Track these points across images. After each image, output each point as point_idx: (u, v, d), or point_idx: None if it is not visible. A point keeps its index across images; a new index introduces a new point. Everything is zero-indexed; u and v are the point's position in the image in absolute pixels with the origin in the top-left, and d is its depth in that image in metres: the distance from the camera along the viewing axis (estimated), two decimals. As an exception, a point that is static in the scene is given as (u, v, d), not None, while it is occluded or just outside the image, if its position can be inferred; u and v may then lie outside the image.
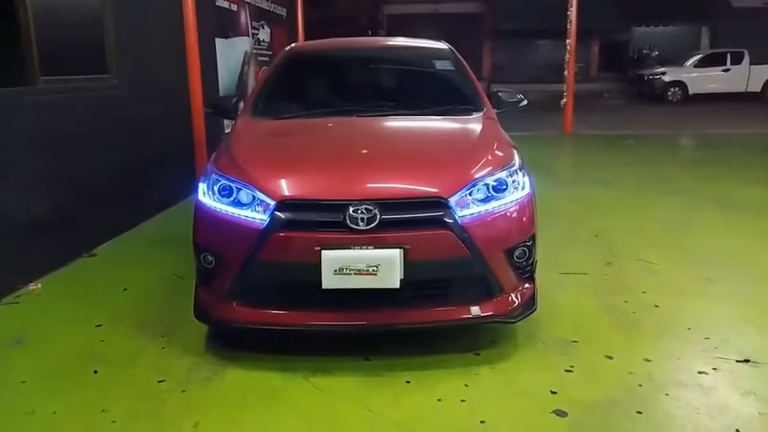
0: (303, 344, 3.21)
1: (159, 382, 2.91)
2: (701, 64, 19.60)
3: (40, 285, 4.13)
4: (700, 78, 19.27)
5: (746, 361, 3.03)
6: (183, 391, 2.83)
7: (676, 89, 19.35)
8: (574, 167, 9.44)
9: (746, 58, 19.01)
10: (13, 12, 4.11)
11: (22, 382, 2.94)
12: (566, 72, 12.59)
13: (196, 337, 3.32)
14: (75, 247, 4.68)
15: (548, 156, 9.51)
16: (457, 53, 4.52)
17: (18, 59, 4.20)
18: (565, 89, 12.44)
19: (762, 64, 18.83)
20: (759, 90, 19.06)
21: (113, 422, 2.60)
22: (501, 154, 3.24)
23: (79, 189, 4.74)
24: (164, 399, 2.78)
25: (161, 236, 5.40)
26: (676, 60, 20.75)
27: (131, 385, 2.90)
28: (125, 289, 4.09)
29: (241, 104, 4.21)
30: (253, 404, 2.74)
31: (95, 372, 3.02)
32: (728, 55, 19.25)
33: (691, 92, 19.21)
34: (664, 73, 19.68)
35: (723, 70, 19.22)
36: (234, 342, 3.25)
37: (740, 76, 19.08)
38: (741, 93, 18.93)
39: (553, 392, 2.78)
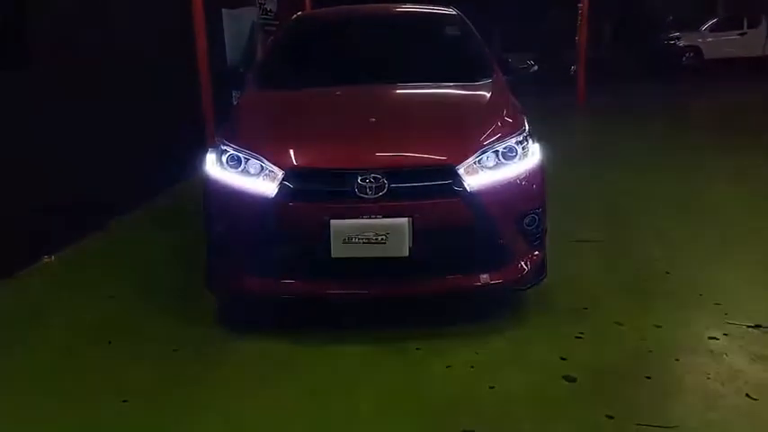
0: (314, 313, 3.24)
1: (173, 351, 2.95)
2: (717, 28, 19.13)
3: (54, 258, 4.18)
4: (715, 43, 18.80)
5: (758, 326, 3.02)
6: (197, 361, 2.87)
7: (691, 54, 18.95)
8: (587, 137, 9.30)
9: (764, 22, 18.51)
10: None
11: (38, 353, 2.99)
12: (577, 38, 12.32)
13: (208, 308, 3.35)
14: (87, 222, 4.70)
15: (561, 126, 9.34)
16: (466, 19, 4.43)
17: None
18: (576, 57, 12.21)
19: (780, 27, 18.38)
20: (777, 54, 18.63)
21: (128, 392, 2.64)
22: (510, 120, 3.21)
23: (89, 165, 4.74)
24: (177, 368, 2.82)
25: (173, 209, 5.43)
26: (691, 25, 20.27)
27: (145, 355, 2.95)
28: (137, 262, 4.13)
29: (248, 75, 4.18)
30: (266, 373, 2.77)
31: (110, 342, 3.07)
32: (745, 18, 18.78)
33: (706, 57, 18.76)
34: (678, 38, 19.26)
35: (739, 34, 18.74)
36: (246, 312, 3.28)
37: (757, 40, 18.55)
38: (758, 57, 18.49)
39: (563, 359, 2.79)
